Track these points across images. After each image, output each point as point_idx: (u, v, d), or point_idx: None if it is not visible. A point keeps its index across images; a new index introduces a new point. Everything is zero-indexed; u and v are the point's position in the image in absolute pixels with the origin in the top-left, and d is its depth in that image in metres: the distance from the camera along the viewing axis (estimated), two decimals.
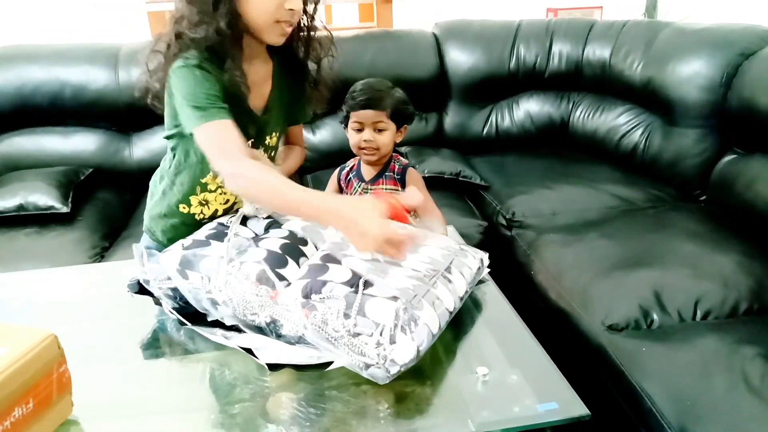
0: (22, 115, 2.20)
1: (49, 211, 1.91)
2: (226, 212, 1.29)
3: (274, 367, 0.87)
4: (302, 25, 1.20)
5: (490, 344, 0.96)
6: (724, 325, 1.30)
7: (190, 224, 1.25)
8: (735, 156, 1.90)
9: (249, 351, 0.88)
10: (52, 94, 2.18)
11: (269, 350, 0.87)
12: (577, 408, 0.81)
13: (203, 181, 1.23)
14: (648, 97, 2.15)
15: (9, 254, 1.74)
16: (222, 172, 1.03)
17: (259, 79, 1.20)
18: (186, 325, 0.97)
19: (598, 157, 2.29)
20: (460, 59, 2.42)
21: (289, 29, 1.13)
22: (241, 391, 0.89)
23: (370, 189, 1.46)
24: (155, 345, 1.03)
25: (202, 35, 1.05)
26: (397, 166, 1.45)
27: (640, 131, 2.19)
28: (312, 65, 1.27)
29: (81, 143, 2.22)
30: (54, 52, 2.25)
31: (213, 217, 1.28)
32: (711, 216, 1.77)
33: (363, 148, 1.41)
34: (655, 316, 1.33)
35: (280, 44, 1.15)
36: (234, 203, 1.29)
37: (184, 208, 1.27)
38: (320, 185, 1.60)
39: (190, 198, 1.25)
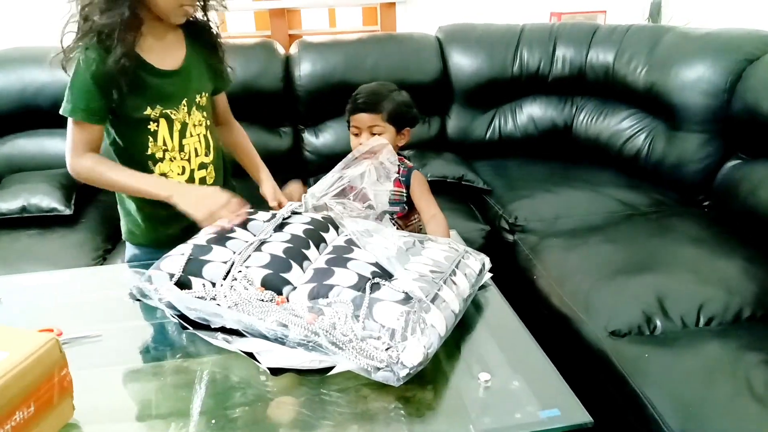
0: (25, 117, 2.21)
1: (51, 213, 1.91)
2: (190, 182, 1.33)
3: (275, 371, 0.87)
4: None
5: (492, 350, 0.96)
6: (727, 331, 1.30)
7: (162, 207, 1.27)
8: (739, 161, 1.89)
9: (250, 355, 0.88)
10: (55, 96, 2.16)
11: (271, 354, 0.87)
12: (580, 415, 0.80)
13: (148, 153, 1.27)
14: (651, 102, 2.15)
15: (11, 256, 1.75)
16: (68, 164, 1.22)
17: (169, 44, 1.27)
18: (188, 329, 0.97)
19: (601, 162, 2.29)
20: (464, 63, 2.42)
21: (192, 10, 1.22)
22: (243, 395, 0.89)
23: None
24: (157, 348, 1.03)
25: (106, 21, 1.13)
26: (401, 169, 1.45)
27: (643, 136, 2.19)
28: (214, 32, 1.33)
29: None
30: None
31: None
32: (714, 221, 1.77)
33: None
34: (658, 322, 1.33)
35: (181, 23, 1.24)
36: (191, 171, 1.32)
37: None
38: None
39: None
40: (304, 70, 2.33)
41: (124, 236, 1.41)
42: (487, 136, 2.47)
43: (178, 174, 1.31)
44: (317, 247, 1.11)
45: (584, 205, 1.93)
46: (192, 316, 0.94)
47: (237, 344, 0.90)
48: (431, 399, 0.89)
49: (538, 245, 1.74)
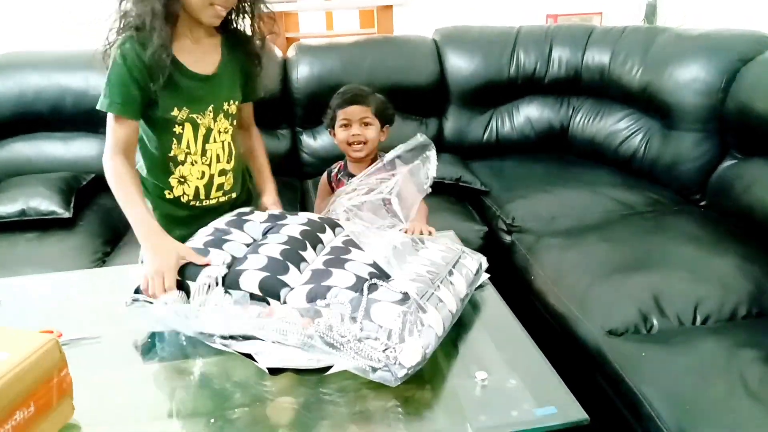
0: (24, 122, 2.21)
1: (50, 217, 1.92)
2: (207, 189, 1.34)
3: (274, 371, 0.87)
4: (244, 3, 1.29)
5: (488, 349, 0.96)
6: (723, 329, 1.30)
7: (180, 208, 1.31)
8: (734, 160, 1.90)
9: (249, 356, 0.89)
10: (53, 101, 2.19)
11: (269, 355, 0.87)
12: (576, 412, 0.81)
13: (171, 154, 1.29)
14: (647, 102, 2.16)
15: (11, 259, 1.75)
16: (103, 158, 1.22)
17: (205, 49, 1.28)
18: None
19: (597, 162, 2.30)
20: (460, 65, 2.43)
21: (223, 12, 1.22)
22: (242, 395, 0.89)
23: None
24: (156, 350, 1.04)
25: (141, 11, 1.16)
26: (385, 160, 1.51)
27: (639, 136, 2.20)
28: (257, 42, 1.35)
29: (82, 149, 2.23)
30: (54, 59, 2.26)
31: (197, 197, 1.33)
32: (710, 220, 1.78)
33: (351, 144, 1.51)
34: (654, 321, 1.33)
35: (215, 25, 1.25)
36: (211, 176, 1.34)
37: (168, 194, 1.31)
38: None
39: (169, 180, 1.31)
40: (302, 72, 2.34)
41: None
42: (484, 137, 2.48)
43: (198, 178, 1.32)
44: (314, 248, 1.12)
45: (581, 204, 1.93)
46: (188, 332, 0.95)
47: (235, 346, 0.91)
48: (429, 398, 0.90)
49: (535, 245, 1.75)
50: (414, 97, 2.40)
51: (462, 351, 0.97)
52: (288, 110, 2.40)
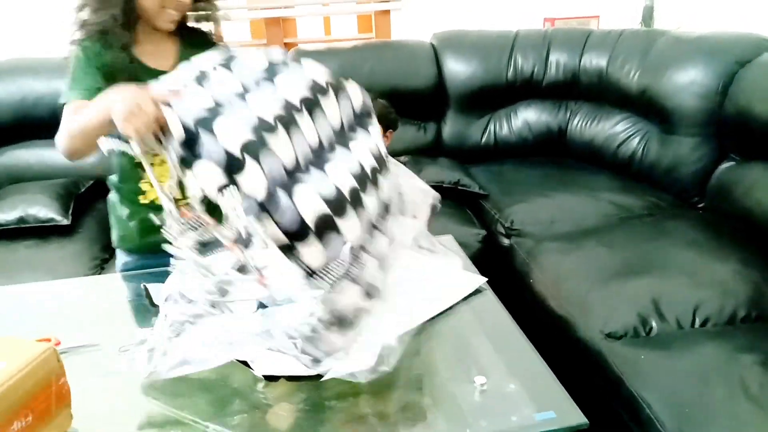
0: (23, 128, 2.21)
1: (49, 224, 1.92)
2: (179, 188, 1.28)
3: (270, 378, 0.87)
4: (199, 7, 1.30)
5: (487, 353, 0.96)
6: (722, 332, 1.30)
7: (156, 211, 1.26)
8: (732, 163, 1.91)
9: (245, 363, 0.88)
10: (53, 107, 2.17)
11: (264, 362, 0.87)
12: (575, 417, 0.81)
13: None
14: (645, 106, 2.16)
15: (9, 266, 1.75)
16: (59, 147, 1.22)
17: (165, 48, 1.29)
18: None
19: (595, 166, 2.30)
20: (458, 69, 2.43)
21: (177, 16, 1.23)
22: (241, 402, 0.89)
23: None
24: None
25: (100, 20, 1.18)
26: None
27: (637, 139, 2.20)
28: (212, 42, 1.35)
29: None
30: (55, 65, 2.25)
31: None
32: (709, 223, 1.78)
33: None
34: (653, 324, 1.33)
35: (170, 29, 1.26)
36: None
37: (143, 198, 1.31)
38: None
39: (140, 185, 1.30)
40: None
41: (114, 243, 1.41)
42: (483, 141, 2.48)
43: (170, 177, 1.31)
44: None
45: (580, 208, 1.94)
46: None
47: (231, 354, 0.91)
48: (428, 403, 0.89)
49: (534, 249, 1.75)
50: (412, 102, 2.41)
51: (461, 356, 0.97)
52: None
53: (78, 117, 1.14)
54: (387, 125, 1.55)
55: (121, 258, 1.42)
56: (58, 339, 1.00)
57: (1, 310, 1.17)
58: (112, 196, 1.36)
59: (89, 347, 1.02)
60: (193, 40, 1.33)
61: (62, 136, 1.21)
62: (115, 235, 1.41)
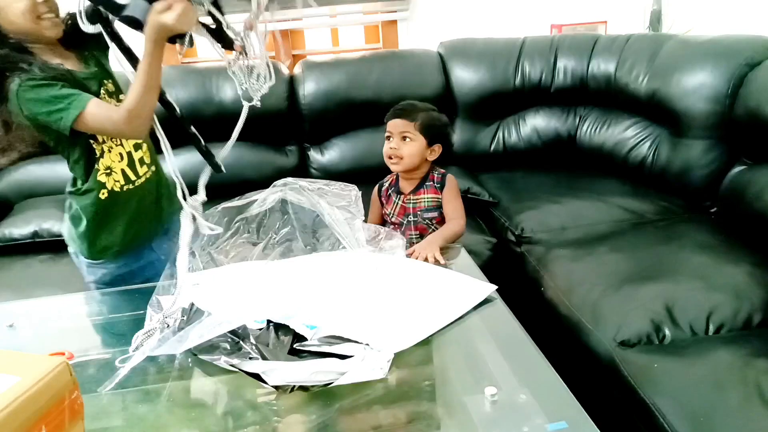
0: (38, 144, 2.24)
1: (63, 238, 1.93)
2: (132, 168, 1.35)
3: (282, 389, 0.88)
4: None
5: (498, 363, 0.96)
6: (737, 338, 1.29)
7: (118, 199, 1.33)
8: (744, 166, 1.89)
9: (256, 376, 0.89)
10: None
11: (275, 372, 0.88)
12: (587, 427, 0.80)
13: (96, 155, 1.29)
14: (654, 110, 2.15)
15: (24, 281, 1.77)
16: (123, 125, 1.19)
17: (69, 57, 1.29)
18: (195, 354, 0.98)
19: (606, 171, 2.29)
20: (466, 77, 2.44)
21: (56, 17, 1.22)
22: (253, 414, 0.89)
23: (413, 200, 1.56)
24: (166, 370, 1.04)
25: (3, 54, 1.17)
26: (436, 176, 1.56)
27: (647, 144, 2.19)
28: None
29: None
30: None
31: (128, 179, 1.34)
32: (721, 227, 1.76)
33: (389, 157, 1.52)
34: (666, 331, 1.32)
35: (59, 35, 1.24)
36: (129, 153, 1.34)
37: (103, 193, 1.32)
38: None
39: (98, 178, 1.30)
40: (309, 89, 2.36)
41: (86, 256, 1.41)
42: (492, 148, 2.48)
43: (119, 161, 1.33)
44: None
45: (590, 214, 1.93)
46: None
47: (241, 366, 0.91)
48: (439, 414, 0.89)
49: (545, 256, 1.74)
50: None
51: (471, 366, 0.97)
52: (296, 126, 2.42)
53: (142, 88, 1.17)
54: (433, 138, 1.52)
55: (95, 272, 1.42)
56: (72, 353, 1.01)
57: (15, 325, 1.18)
58: (76, 212, 1.36)
59: (102, 361, 1.02)
60: (82, 35, 1.28)
61: (130, 112, 1.18)
62: (72, 239, 1.42)
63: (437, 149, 1.53)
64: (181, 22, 1.08)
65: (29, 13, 1.17)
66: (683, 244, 1.66)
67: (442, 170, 1.58)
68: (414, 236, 1.55)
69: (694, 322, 1.33)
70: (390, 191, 1.61)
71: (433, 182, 1.56)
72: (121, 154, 1.33)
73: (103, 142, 1.30)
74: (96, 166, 1.30)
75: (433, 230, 1.54)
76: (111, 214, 1.35)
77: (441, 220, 1.56)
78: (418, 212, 1.56)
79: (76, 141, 1.27)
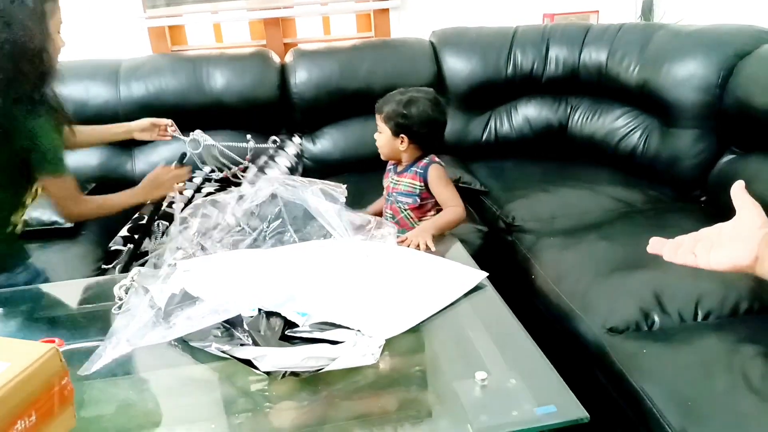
0: None
1: (52, 227, 1.93)
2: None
3: (274, 375, 0.88)
4: None
5: (488, 348, 0.96)
6: (724, 325, 1.30)
7: (15, 241, 1.46)
8: (733, 156, 1.90)
9: (248, 362, 0.89)
10: None
11: (266, 359, 0.88)
12: (576, 411, 0.81)
13: (23, 199, 1.40)
14: (645, 100, 2.16)
15: None
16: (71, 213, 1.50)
17: None
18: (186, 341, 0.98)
19: (596, 160, 2.30)
20: (458, 66, 2.43)
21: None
22: (244, 401, 0.90)
23: (395, 181, 1.62)
24: (157, 357, 1.04)
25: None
26: (424, 162, 1.58)
27: (638, 133, 2.20)
28: None
29: (83, 158, 2.23)
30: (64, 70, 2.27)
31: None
32: (710, 216, 1.76)
33: None
34: (655, 318, 1.33)
35: None
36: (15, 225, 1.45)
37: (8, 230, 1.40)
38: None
39: (12, 218, 1.41)
40: (300, 78, 2.35)
41: None
42: (483, 137, 2.48)
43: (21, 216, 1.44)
44: None
45: (581, 203, 1.94)
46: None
47: (233, 352, 0.91)
48: (430, 399, 0.90)
49: (536, 245, 1.75)
50: None
51: (462, 351, 0.98)
52: (287, 116, 2.41)
53: (107, 204, 1.53)
54: (400, 130, 1.55)
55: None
56: (62, 340, 1.00)
57: (5, 312, 1.17)
58: None
59: (92, 349, 1.02)
60: None
61: (89, 209, 1.50)
62: None
63: (405, 141, 1.55)
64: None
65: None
66: (672, 232, 1.63)
67: (435, 159, 1.59)
68: (388, 215, 1.63)
69: (682, 309, 1.34)
70: (391, 167, 1.67)
71: (417, 169, 1.57)
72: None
73: (34, 195, 1.42)
74: (20, 210, 1.40)
75: (406, 216, 1.59)
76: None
77: (415, 208, 1.59)
78: (395, 193, 1.61)
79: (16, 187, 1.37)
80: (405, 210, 1.59)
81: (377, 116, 1.58)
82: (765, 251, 0.68)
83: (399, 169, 1.62)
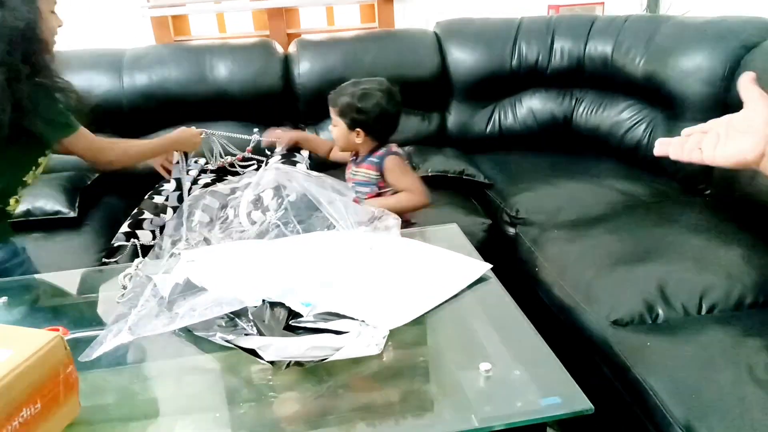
0: None
1: (56, 216, 1.93)
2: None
3: (278, 364, 0.88)
4: None
5: (492, 340, 0.96)
6: (729, 318, 1.30)
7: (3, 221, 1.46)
8: None
9: (252, 352, 0.89)
10: None
11: (271, 348, 0.88)
12: (580, 402, 0.81)
13: (25, 179, 1.44)
14: (650, 92, 2.15)
15: None
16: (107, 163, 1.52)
17: None
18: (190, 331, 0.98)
19: (601, 153, 2.29)
20: (462, 58, 2.42)
21: None
22: (248, 391, 0.90)
23: (354, 171, 1.65)
24: (161, 346, 1.04)
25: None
26: (381, 152, 1.59)
27: (643, 126, 2.19)
28: None
29: None
30: (58, 59, 2.26)
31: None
32: (715, 209, 1.77)
33: None
34: (659, 311, 1.33)
35: None
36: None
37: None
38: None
39: (9, 200, 1.44)
40: (303, 68, 2.34)
41: None
42: (488, 130, 2.47)
43: (16, 201, 1.48)
44: None
45: (585, 196, 1.93)
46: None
47: (237, 342, 0.91)
48: (433, 390, 0.90)
49: (540, 237, 1.75)
50: (416, 91, 2.40)
51: (466, 343, 0.97)
52: (290, 107, 2.40)
53: (134, 150, 1.60)
54: (355, 123, 1.57)
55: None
56: (66, 329, 1.00)
57: (9, 302, 1.18)
58: None
59: (95, 337, 1.02)
60: None
61: (116, 155, 1.52)
62: None
63: (360, 134, 1.57)
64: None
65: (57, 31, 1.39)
66: (677, 225, 1.66)
67: (393, 149, 1.60)
68: None
69: (686, 302, 1.34)
70: (353, 157, 1.68)
71: (373, 159, 1.59)
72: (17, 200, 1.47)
73: (36, 176, 1.46)
74: (19, 191, 1.44)
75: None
76: None
77: (375, 197, 1.61)
78: (353, 184, 1.63)
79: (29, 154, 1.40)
80: (364, 199, 1.60)
81: (331, 109, 1.59)
82: None
83: (357, 160, 1.64)
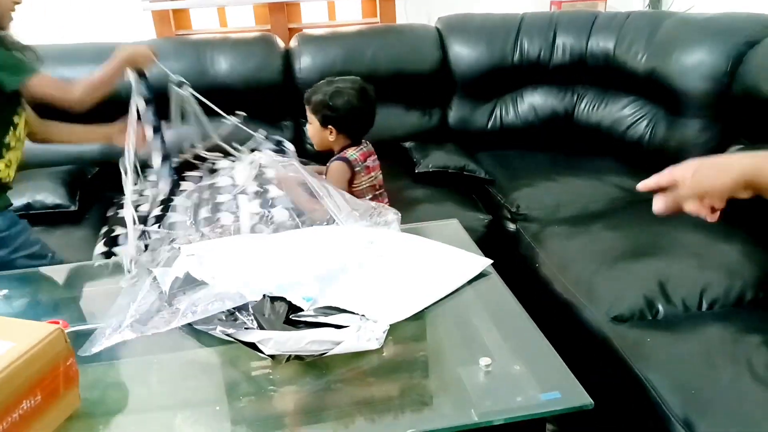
0: None
1: (56, 210, 1.93)
2: (16, 170, 1.52)
3: (278, 358, 0.88)
4: None
5: (493, 335, 0.96)
6: (729, 314, 1.30)
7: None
8: (740, 146, 1.88)
9: (252, 346, 0.89)
10: None
11: (272, 342, 0.88)
12: (580, 397, 0.81)
13: (6, 141, 1.42)
14: (652, 88, 2.14)
15: None
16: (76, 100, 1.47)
17: None
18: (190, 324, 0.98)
19: (602, 149, 2.28)
20: (463, 53, 2.41)
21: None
22: (248, 384, 0.90)
23: (328, 168, 1.66)
24: (161, 340, 1.04)
25: None
26: (342, 153, 1.64)
27: (644, 122, 2.18)
28: None
29: (85, 146, 2.23)
30: (59, 53, 2.26)
31: (10, 178, 1.49)
32: None
33: None
34: (660, 307, 1.33)
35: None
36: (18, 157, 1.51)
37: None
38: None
39: None
40: (305, 63, 2.34)
41: None
42: (489, 126, 2.46)
43: (17, 161, 1.49)
44: None
45: (586, 192, 1.93)
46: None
47: (237, 335, 0.92)
48: (433, 385, 0.90)
49: (540, 233, 1.74)
50: (417, 87, 2.40)
51: (466, 337, 0.97)
52: (291, 101, 2.39)
53: (96, 75, 1.52)
54: (327, 120, 1.60)
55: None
56: (66, 322, 1.00)
57: (10, 295, 1.18)
58: None
59: (96, 330, 1.02)
60: None
61: (84, 90, 1.48)
62: None
63: (333, 132, 1.60)
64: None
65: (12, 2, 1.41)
66: (678, 222, 1.64)
67: (345, 155, 1.62)
68: None
69: (687, 298, 1.34)
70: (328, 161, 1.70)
71: (330, 162, 1.63)
72: (18, 157, 1.48)
73: (18, 137, 1.46)
74: (3, 153, 1.42)
75: None
76: None
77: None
78: (327, 181, 1.63)
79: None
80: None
81: (306, 107, 1.62)
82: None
83: (331, 158, 1.66)
